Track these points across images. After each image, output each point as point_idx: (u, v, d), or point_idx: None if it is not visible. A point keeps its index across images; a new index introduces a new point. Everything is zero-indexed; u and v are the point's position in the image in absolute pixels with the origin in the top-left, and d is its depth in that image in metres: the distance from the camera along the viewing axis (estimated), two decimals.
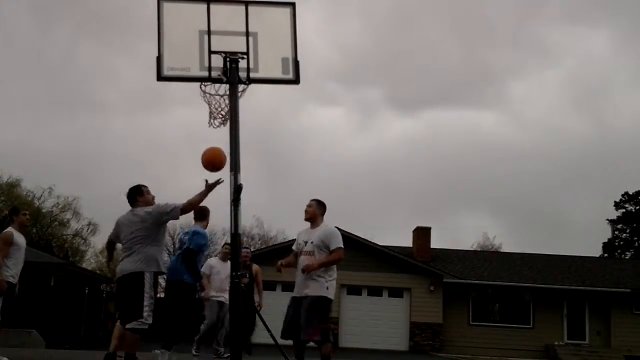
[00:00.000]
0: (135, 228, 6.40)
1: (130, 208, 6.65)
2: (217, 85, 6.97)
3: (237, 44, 6.98)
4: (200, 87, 7.02)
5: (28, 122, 59.86)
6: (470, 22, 67.07)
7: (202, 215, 8.40)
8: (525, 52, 68.30)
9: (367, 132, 69.23)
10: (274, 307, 13.14)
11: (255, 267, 10.53)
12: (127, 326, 6.21)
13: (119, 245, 6.91)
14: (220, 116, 6.92)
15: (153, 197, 6.77)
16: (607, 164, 63.25)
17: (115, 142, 61.89)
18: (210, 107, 6.98)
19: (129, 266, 6.33)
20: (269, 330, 9.66)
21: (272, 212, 69.62)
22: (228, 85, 6.92)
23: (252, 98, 7.14)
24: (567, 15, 68.43)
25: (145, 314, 6.17)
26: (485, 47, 69.21)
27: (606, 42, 68.06)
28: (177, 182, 59.41)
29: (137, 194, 6.65)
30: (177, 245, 9.34)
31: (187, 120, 62.75)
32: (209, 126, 6.97)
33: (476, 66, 67.03)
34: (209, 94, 7.01)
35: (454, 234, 59.66)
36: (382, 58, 68.81)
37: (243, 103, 6.95)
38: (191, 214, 7.90)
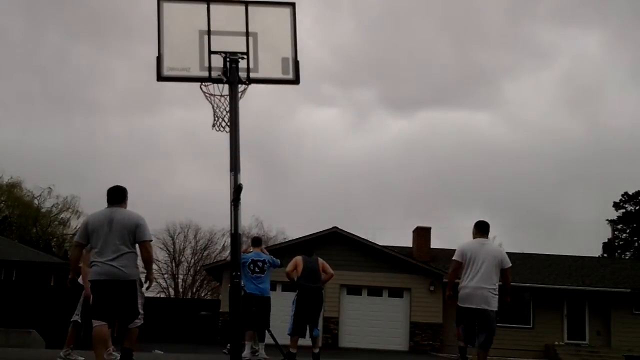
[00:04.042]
0: (129, 231, 6.26)
1: (107, 205, 6.40)
2: (220, 86, 6.95)
3: (237, 44, 6.98)
4: (201, 88, 7.01)
5: (23, 122, 59.91)
6: (464, 23, 67.16)
7: (260, 241, 10.96)
8: (519, 53, 68.39)
9: (363, 133, 69.34)
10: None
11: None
12: (131, 325, 6.33)
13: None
14: (226, 119, 6.87)
15: None
16: (605, 164, 63.31)
17: (111, 143, 62.02)
18: (214, 110, 6.95)
19: (122, 272, 6.18)
20: (269, 331, 9.74)
21: (270, 212, 69.71)
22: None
23: (248, 99, 7.13)
24: (561, 16, 68.48)
25: (141, 310, 6.46)
26: (479, 47, 69.29)
27: (600, 43, 68.17)
28: (173, 182, 59.47)
29: (125, 197, 6.53)
30: (251, 268, 9.74)
31: (184, 120, 62.87)
32: (213, 129, 6.94)
33: (471, 67, 67.11)
34: (212, 95, 6.99)
35: (452, 235, 59.61)
36: (376, 59, 68.89)
37: (241, 103, 6.94)
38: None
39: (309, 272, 9.67)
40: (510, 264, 7.74)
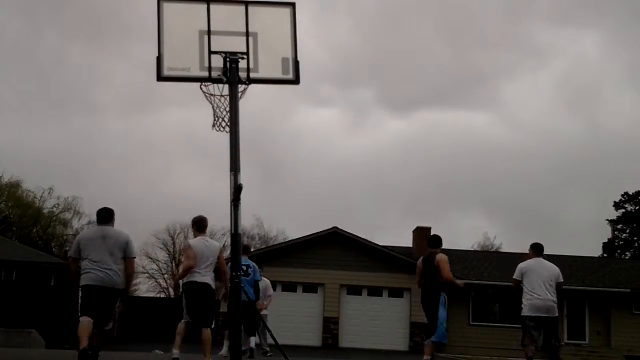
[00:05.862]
0: (119, 247, 7.03)
1: (99, 225, 7.21)
2: (220, 86, 6.95)
3: (237, 44, 6.97)
4: (201, 88, 7.00)
5: (23, 122, 59.89)
6: (462, 23, 67.19)
7: (248, 249, 10.95)
8: (517, 53, 68.44)
9: (361, 133, 69.38)
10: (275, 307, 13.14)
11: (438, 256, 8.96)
12: (106, 327, 7.03)
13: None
14: (226, 119, 6.87)
15: None
16: (605, 164, 63.32)
17: (110, 143, 62.01)
18: (214, 110, 6.95)
19: (116, 280, 7.00)
20: (269, 330, 9.74)
21: (270, 212, 69.73)
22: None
23: (248, 99, 7.13)
24: (559, 16, 68.54)
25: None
26: (477, 47, 69.32)
27: (597, 43, 68.24)
28: (173, 181, 59.49)
29: (113, 217, 7.27)
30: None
31: (183, 120, 62.89)
32: (213, 129, 6.93)
33: (469, 67, 67.17)
34: (212, 95, 6.98)
35: (452, 235, 59.68)
36: (375, 59, 68.92)
37: (240, 103, 6.93)
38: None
39: (424, 273, 9.05)
40: (563, 280, 9.24)
